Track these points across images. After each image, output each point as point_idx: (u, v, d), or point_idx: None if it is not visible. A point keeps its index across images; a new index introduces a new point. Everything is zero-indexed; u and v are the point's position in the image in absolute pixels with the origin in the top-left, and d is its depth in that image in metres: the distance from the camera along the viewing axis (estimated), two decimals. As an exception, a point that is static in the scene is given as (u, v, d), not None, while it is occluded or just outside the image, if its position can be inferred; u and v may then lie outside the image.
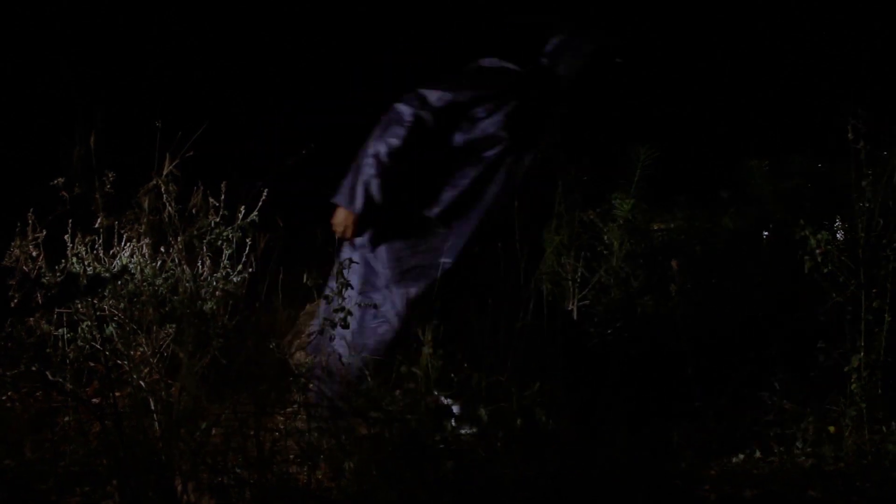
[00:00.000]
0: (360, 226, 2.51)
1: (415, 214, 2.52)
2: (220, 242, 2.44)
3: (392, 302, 2.49)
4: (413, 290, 2.48)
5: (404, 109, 2.48)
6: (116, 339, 2.25)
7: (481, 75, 2.60)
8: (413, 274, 2.50)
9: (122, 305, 2.28)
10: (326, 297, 2.43)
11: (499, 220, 2.51)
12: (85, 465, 2.00)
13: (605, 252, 3.42)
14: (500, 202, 2.51)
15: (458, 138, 2.52)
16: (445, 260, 2.49)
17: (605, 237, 3.42)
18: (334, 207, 2.52)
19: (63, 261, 2.31)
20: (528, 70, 2.60)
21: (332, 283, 2.58)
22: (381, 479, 1.90)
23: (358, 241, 2.55)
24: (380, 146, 2.47)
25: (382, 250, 2.53)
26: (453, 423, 2.06)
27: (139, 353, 2.26)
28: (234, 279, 2.46)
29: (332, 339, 2.28)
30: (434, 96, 2.50)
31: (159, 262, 2.35)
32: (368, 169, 2.47)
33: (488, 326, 2.26)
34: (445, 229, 2.51)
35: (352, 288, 2.39)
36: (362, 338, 2.48)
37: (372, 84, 6.16)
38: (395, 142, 2.46)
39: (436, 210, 2.50)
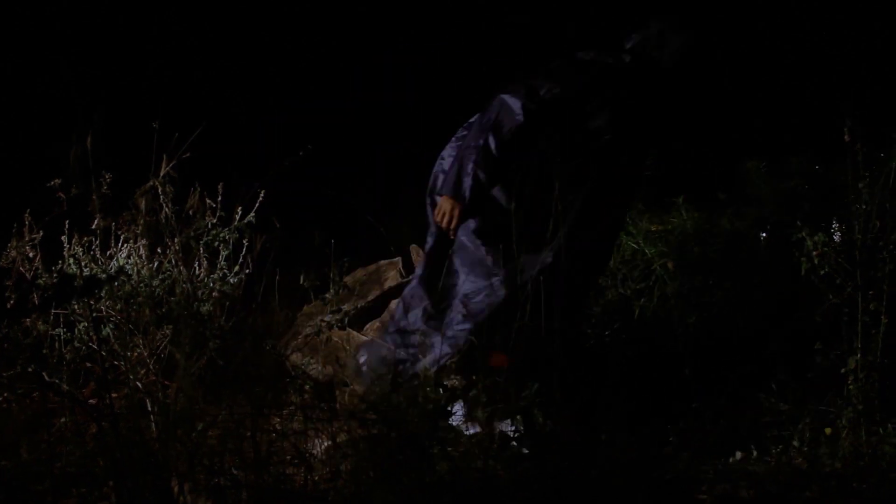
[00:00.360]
0: (464, 216, 2.53)
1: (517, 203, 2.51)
2: (216, 244, 2.44)
3: (495, 284, 2.52)
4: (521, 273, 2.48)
5: (514, 102, 2.48)
6: (113, 341, 2.25)
7: (587, 69, 2.57)
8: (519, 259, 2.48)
9: (118, 306, 2.28)
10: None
11: (596, 213, 2.52)
12: (81, 467, 2.00)
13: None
14: (600, 193, 2.52)
15: (565, 131, 2.51)
16: (546, 254, 2.49)
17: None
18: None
19: (60, 262, 2.31)
20: (627, 64, 2.59)
21: (418, 270, 2.67)
22: (377, 481, 1.90)
23: (462, 228, 2.57)
24: (489, 138, 2.48)
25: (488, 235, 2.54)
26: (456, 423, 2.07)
27: (136, 354, 2.26)
28: (231, 280, 2.46)
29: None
30: (543, 89, 2.49)
31: (156, 264, 2.35)
32: (476, 160, 2.48)
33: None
34: (546, 217, 2.48)
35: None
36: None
37: (372, 84, 6.16)
38: (505, 135, 2.47)
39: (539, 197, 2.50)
